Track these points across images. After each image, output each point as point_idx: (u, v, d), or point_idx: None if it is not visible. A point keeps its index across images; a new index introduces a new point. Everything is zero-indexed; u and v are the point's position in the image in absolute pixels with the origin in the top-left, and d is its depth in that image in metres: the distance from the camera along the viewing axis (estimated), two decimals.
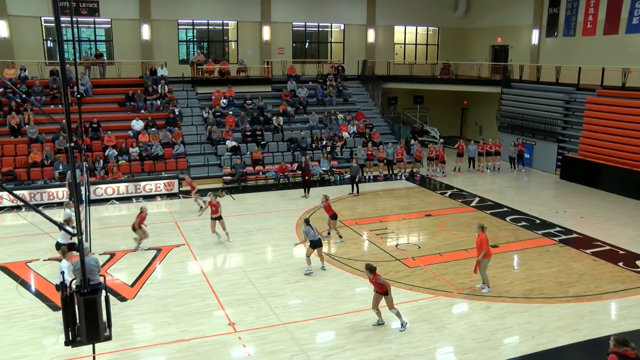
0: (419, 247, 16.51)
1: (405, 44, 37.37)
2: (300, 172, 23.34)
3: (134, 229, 15.75)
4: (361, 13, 34.91)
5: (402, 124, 32.67)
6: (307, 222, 14.46)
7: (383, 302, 11.39)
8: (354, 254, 15.83)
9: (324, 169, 25.28)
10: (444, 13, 36.84)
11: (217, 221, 16.49)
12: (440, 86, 33.91)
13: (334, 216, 16.89)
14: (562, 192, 23.65)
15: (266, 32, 32.73)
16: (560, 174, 26.00)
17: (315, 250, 14.33)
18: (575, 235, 17.65)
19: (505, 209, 20.66)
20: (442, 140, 29.76)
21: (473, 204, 21.41)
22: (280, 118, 28.01)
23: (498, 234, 17.51)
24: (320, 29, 35.53)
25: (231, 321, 11.74)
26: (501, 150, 27.52)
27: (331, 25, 35.64)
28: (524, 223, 18.85)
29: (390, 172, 26.17)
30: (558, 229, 18.20)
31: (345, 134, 28.10)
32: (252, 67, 31.48)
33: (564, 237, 17.41)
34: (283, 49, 33.61)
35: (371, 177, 25.70)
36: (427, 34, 37.90)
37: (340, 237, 16.94)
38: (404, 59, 36.85)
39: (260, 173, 24.76)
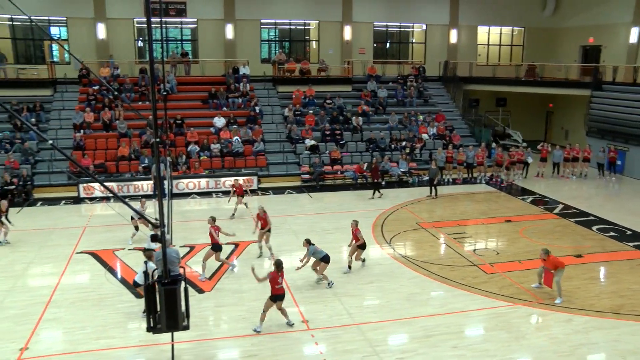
0: (498, 253, 16.03)
1: (488, 44, 36.43)
2: (369, 172, 23.20)
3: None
4: (444, 13, 34.36)
5: (484, 127, 31.89)
6: (309, 242, 13.48)
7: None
8: (431, 257, 15.60)
9: (402, 170, 25.04)
10: (531, 12, 35.61)
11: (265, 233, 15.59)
12: (525, 88, 32.78)
13: (362, 246, 14.67)
14: None
15: (347, 32, 32.83)
16: None
17: (320, 268, 13.50)
18: None
19: (591, 217, 19.70)
20: (524, 144, 28.77)
21: (556, 211, 20.56)
22: (360, 118, 28.00)
23: (583, 244, 16.75)
24: (401, 29, 35.23)
25: (305, 319, 11.85)
26: (590, 157, 26.17)
27: (413, 26, 35.27)
28: (612, 233, 17.86)
29: (470, 176, 25.58)
30: None
31: (424, 136, 27.73)
32: (333, 67, 31.67)
33: None
34: (364, 49, 33.60)
35: (450, 180, 25.24)
36: (512, 34, 36.76)
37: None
38: (487, 60, 35.94)
39: (339, 172, 24.87)
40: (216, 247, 14.03)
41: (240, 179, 22.24)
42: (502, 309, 12.36)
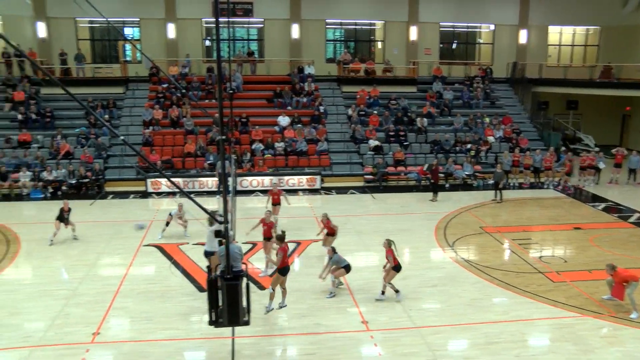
0: (565, 261, 15.46)
1: (560, 45, 35.27)
2: (429, 173, 22.91)
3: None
4: (513, 13, 33.48)
5: (553, 130, 30.88)
6: (335, 250, 13.18)
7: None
8: (494, 262, 15.22)
9: (466, 173, 24.58)
10: (609, 10, 33.87)
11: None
12: (599, 90, 31.40)
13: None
14: None
15: (413, 33, 32.53)
16: None
17: (337, 273, 13.07)
18: None
19: None
20: (597, 148, 27.67)
21: (632, 219, 19.63)
22: (424, 119, 27.68)
23: None
24: (468, 30, 34.58)
25: (364, 319, 11.82)
26: None
27: (480, 26, 34.54)
28: None
29: (537, 180, 24.82)
30: None
31: (490, 138, 27.11)
32: (398, 67, 31.47)
33: None
34: (430, 50, 33.20)
35: (516, 184, 24.57)
36: (587, 33, 35.38)
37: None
38: (558, 61, 34.72)
39: (402, 174, 24.68)
40: (269, 238, 14.37)
41: (274, 179, 22.21)
42: (569, 320, 11.90)
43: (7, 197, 22.18)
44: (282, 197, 17.39)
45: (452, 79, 31.54)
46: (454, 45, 34.90)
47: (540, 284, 13.79)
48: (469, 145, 26.40)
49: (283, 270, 11.75)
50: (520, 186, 24.51)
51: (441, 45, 34.02)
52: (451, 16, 33.25)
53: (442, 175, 23.64)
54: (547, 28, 34.34)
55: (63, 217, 16.33)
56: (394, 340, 10.99)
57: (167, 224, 17.10)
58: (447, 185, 23.92)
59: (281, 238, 11.98)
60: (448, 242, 16.91)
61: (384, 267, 12.89)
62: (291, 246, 16.16)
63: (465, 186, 24.34)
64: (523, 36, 33.68)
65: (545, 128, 30.62)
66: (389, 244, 12.66)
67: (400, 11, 32.41)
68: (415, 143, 26.69)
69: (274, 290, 11.80)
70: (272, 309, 11.86)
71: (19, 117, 25.70)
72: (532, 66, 32.50)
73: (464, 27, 34.26)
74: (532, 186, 24.55)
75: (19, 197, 22.17)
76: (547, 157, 24.81)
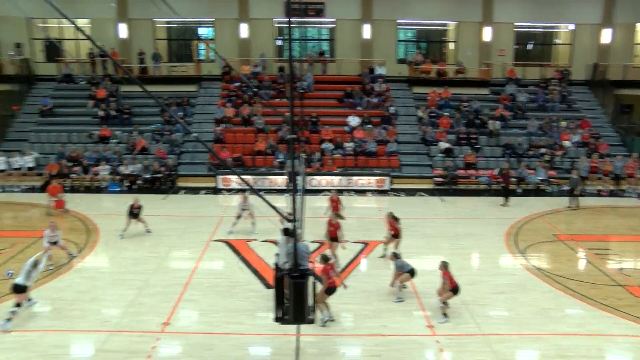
0: None
1: None
2: (500, 177, 22.24)
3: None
4: (595, 11, 31.90)
5: (637, 135, 29.32)
6: (397, 255, 13.03)
7: None
8: (568, 272, 14.58)
9: (540, 178, 23.73)
10: None
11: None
12: None
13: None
14: None
15: (487, 33, 31.73)
16: None
17: (402, 278, 12.83)
18: None
19: None
20: None
21: None
22: (497, 122, 26.96)
23: None
24: (546, 30, 33.37)
25: (430, 324, 11.61)
26: None
27: (559, 26, 33.26)
28: None
29: (618, 188, 23.66)
30: None
31: (566, 143, 26.08)
32: (470, 69, 30.79)
33: None
34: (504, 51, 32.26)
35: (594, 192, 23.52)
36: None
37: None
38: None
39: (472, 177, 24.14)
40: (334, 239, 14.34)
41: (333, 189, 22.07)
42: None
43: (88, 189, 23.28)
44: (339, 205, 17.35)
45: (526, 81, 30.55)
46: (530, 46, 33.78)
47: (620, 297, 13.07)
48: (543, 150, 25.49)
49: (329, 290, 11.42)
50: (599, 193, 23.45)
51: (516, 47, 33.00)
52: (527, 16, 32.14)
53: (513, 179, 22.94)
54: (634, 26, 32.47)
55: (133, 214, 16.93)
56: (460, 347, 10.74)
57: (238, 217, 17.45)
58: (519, 190, 23.20)
59: (325, 259, 11.67)
60: (519, 249, 16.37)
61: (439, 291, 12.12)
62: (358, 247, 16.19)
63: (538, 192, 23.51)
64: (606, 35, 32.04)
65: (629, 133, 29.13)
66: (444, 265, 12.02)
67: (474, 11, 31.68)
68: (487, 146, 26.05)
69: (320, 303, 11.41)
70: (328, 319, 11.60)
71: (100, 113, 26.96)
72: (615, 67, 30.93)
73: (540, 27, 33.08)
74: (611, 194, 23.43)
75: (99, 190, 23.24)
76: (630, 164, 23.62)
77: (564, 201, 21.58)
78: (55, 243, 14.42)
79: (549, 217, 19.83)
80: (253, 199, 17.08)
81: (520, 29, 32.73)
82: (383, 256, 15.38)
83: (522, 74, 31.07)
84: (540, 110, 28.69)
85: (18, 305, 11.37)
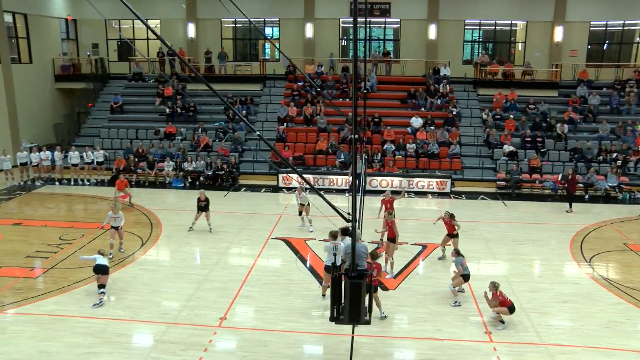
0: None
1: None
2: (565, 183, 21.37)
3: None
4: None
5: None
6: (458, 252, 12.64)
7: None
8: None
9: (610, 184, 22.72)
10: None
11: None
12: None
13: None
14: None
15: (558, 33, 30.63)
16: None
17: (456, 281, 12.56)
18: None
19: None
20: None
21: None
22: (565, 125, 25.98)
23: None
24: (624, 28, 31.82)
25: (488, 330, 11.33)
26: None
27: (638, 23, 31.65)
28: None
29: None
30: None
31: None
32: (539, 70, 29.83)
33: None
34: (575, 51, 31.05)
35: None
36: None
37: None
38: None
39: (537, 182, 23.38)
40: (392, 240, 14.19)
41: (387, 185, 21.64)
42: None
43: (152, 184, 24.01)
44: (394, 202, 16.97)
45: (599, 83, 29.27)
46: (605, 46, 32.37)
47: None
48: (615, 155, 24.38)
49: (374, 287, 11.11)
50: None
51: (589, 47, 31.69)
52: (604, 14, 30.70)
53: (580, 185, 22.06)
54: None
55: (200, 207, 17.30)
56: (518, 355, 10.42)
57: (300, 213, 17.73)
58: (586, 197, 22.28)
59: (373, 256, 11.34)
60: (584, 257, 15.71)
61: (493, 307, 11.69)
62: (416, 249, 16.00)
63: (607, 198, 22.50)
64: None
65: None
66: (495, 287, 11.62)
67: (545, 10, 30.63)
68: (554, 150, 25.14)
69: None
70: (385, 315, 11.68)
71: (167, 110, 27.79)
72: None
73: (618, 25, 31.61)
74: None
75: (162, 185, 23.92)
76: None
77: (637, 209, 20.59)
78: (117, 228, 15.12)
79: (619, 226, 18.95)
80: (312, 198, 17.18)
81: (595, 27, 31.37)
82: (442, 257, 15.16)
83: (594, 75, 29.84)
84: (613, 113, 27.41)
85: (102, 286, 12.39)
